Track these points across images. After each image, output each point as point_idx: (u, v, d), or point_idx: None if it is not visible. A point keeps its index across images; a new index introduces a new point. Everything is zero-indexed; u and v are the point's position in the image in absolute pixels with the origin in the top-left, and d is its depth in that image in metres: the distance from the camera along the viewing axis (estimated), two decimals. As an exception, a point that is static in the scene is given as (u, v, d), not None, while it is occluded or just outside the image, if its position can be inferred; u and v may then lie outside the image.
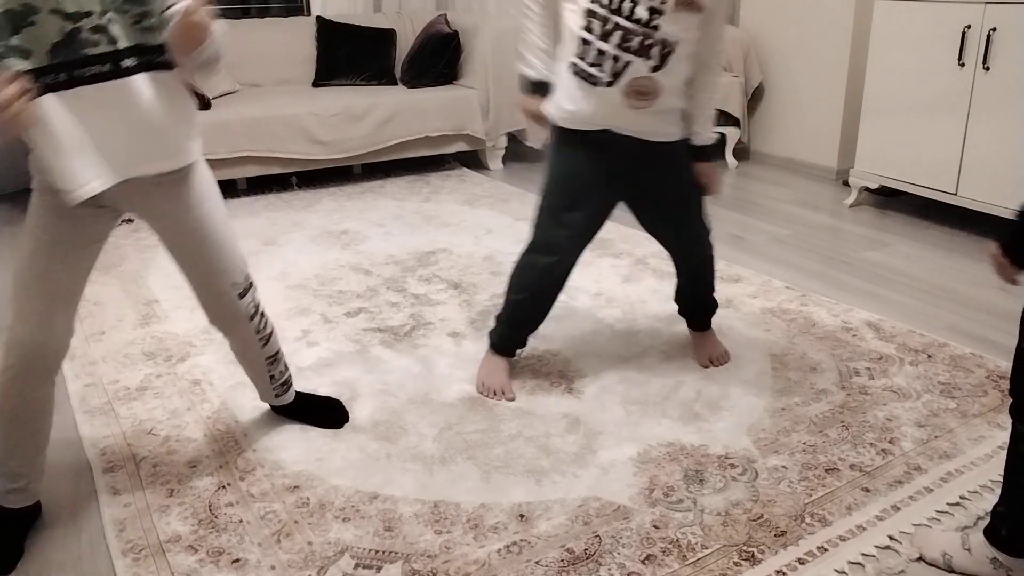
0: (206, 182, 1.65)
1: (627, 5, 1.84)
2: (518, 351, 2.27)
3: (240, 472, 1.84)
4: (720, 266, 3.02)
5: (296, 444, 1.94)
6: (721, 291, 2.81)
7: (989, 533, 1.49)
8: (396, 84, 4.54)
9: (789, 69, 4.45)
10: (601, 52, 1.88)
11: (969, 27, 3.17)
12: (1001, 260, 1.36)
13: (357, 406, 2.10)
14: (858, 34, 3.98)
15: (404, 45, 4.65)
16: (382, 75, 4.53)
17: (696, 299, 2.32)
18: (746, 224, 3.54)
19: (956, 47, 3.23)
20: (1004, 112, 3.12)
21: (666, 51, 1.87)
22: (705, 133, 2.07)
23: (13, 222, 3.66)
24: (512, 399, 2.13)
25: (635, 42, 1.85)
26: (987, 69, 3.15)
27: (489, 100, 4.40)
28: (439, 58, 4.45)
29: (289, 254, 3.23)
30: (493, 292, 2.83)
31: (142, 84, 1.46)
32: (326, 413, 2.04)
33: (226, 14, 4.65)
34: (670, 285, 2.78)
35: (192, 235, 1.65)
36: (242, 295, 1.75)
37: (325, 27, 4.53)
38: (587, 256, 3.17)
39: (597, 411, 2.07)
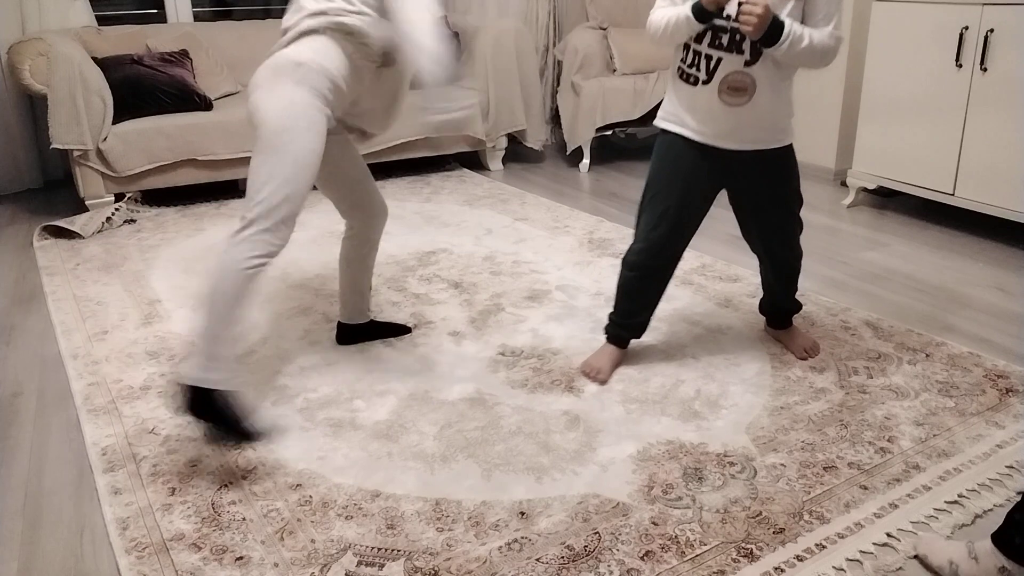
0: None
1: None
2: (632, 341, 2.34)
3: (242, 471, 1.85)
4: (719, 266, 3.03)
5: (298, 443, 1.95)
6: (720, 291, 2.83)
7: (1000, 540, 1.43)
8: (396, 85, 4.55)
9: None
10: (697, 52, 1.96)
11: (967, 28, 3.18)
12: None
13: (358, 405, 2.12)
14: (856, 35, 3.99)
15: (404, 46, 4.66)
16: (382, 76, 4.54)
17: (781, 300, 2.36)
18: (745, 224, 3.54)
19: (954, 48, 3.25)
20: (1001, 113, 3.13)
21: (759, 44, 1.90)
22: (790, 24, 1.87)
23: (16, 221, 3.69)
24: (603, 381, 2.20)
25: (724, 38, 1.91)
26: (984, 70, 3.16)
27: (489, 101, 4.41)
28: (439, 59, 4.46)
29: (290, 253, 3.23)
30: (493, 292, 2.84)
31: None
32: (394, 328, 2.50)
33: (227, 16, 4.66)
34: (669, 285, 2.78)
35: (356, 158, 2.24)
36: None
37: (325, 28, 4.53)
38: (587, 256, 3.20)
39: (597, 409, 2.09)
